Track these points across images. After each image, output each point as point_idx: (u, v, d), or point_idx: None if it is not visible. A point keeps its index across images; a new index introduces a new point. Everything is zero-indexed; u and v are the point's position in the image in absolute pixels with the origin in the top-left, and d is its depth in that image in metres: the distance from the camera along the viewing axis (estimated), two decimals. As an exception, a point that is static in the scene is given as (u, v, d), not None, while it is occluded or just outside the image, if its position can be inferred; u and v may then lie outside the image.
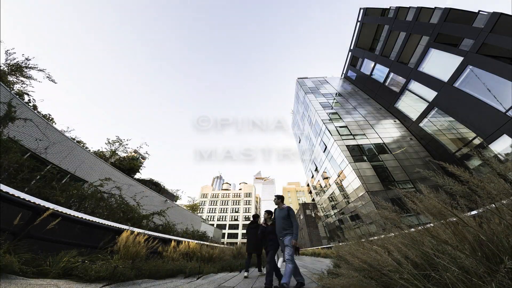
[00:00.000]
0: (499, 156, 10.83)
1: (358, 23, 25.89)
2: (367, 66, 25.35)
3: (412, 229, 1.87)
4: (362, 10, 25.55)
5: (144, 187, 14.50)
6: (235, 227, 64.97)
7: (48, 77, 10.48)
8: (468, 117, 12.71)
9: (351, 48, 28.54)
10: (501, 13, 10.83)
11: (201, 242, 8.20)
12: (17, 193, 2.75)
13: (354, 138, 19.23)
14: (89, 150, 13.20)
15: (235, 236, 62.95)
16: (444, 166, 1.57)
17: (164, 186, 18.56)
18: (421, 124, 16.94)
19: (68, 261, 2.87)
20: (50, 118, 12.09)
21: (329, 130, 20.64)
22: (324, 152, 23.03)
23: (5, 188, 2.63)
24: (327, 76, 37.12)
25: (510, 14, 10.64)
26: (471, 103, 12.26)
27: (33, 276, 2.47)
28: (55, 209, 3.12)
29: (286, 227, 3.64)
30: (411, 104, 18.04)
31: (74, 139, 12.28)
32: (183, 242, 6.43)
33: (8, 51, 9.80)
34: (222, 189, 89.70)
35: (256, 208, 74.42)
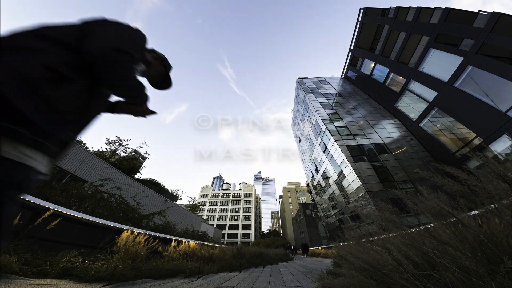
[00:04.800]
0: (499, 156, 10.84)
1: (358, 23, 25.90)
2: (367, 66, 25.35)
3: (412, 230, 1.87)
4: (362, 10, 25.55)
5: (144, 187, 14.49)
6: (235, 227, 64.95)
7: None
8: (468, 117, 12.72)
9: (351, 48, 28.55)
10: (501, 13, 10.83)
11: (201, 242, 8.20)
12: (17, 193, 2.75)
13: (354, 138, 19.23)
14: (89, 150, 13.20)
15: (235, 236, 62.93)
16: (442, 168, 1.58)
17: (164, 186, 18.56)
18: (421, 124, 16.94)
19: (68, 261, 2.88)
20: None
21: (329, 130, 20.64)
22: (324, 152, 23.03)
23: (5, 188, 2.62)
24: (327, 76, 37.14)
25: (510, 14, 10.65)
26: (471, 103, 12.26)
27: (33, 276, 2.47)
28: (56, 209, 3.12)
29: None
30: (411, 104, 18.05)
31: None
32: (183, 242, 6.42)
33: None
34: (222, 189, 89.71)
35: (256, 208, 74.42)
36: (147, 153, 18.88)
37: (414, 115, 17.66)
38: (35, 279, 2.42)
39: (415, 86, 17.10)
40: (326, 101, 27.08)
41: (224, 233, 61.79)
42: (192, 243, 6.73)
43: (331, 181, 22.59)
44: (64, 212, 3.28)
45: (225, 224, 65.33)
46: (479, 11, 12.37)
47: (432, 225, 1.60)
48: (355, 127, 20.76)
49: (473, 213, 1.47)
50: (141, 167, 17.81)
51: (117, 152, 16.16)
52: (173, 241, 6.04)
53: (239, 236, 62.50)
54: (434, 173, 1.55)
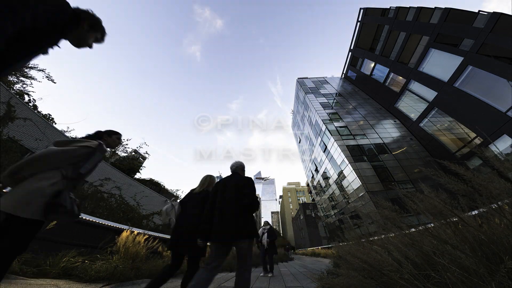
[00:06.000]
0: (499, 156, 10.82)
1: (358, 23, 25.89)
2: (367, 66, 25.35)
3: (412, 229, 1.87)
4: (362, 10, 25.55)
5: (144, 187, 14.50)
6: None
7: (47, 76, 10.48)
8: (468, 117, 12.72)
9: (351, 48, 28.54)
10: (501, 13, 10.83)
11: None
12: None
13: (354, 138, 19.23)
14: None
15: (235, 236, 62.94)
16: (445, 165, 1.57)
17: (164, 186, 18.57)
18: (421, 124, 16.94)
19: (68, 261, 2.87)
20: (50, 118, 12.09)
21: (329, 130, 20.64)
22: (324, 152, 23.03)
23: (5, 188, 2.62)
24: (327, 76, 37.14)
25: (510, 14, 10.65)
26: (471, 103, 12.26)
27: (33, 276, 2.47)
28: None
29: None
30: (411, 104, 18.05)
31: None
32: (183, 242, 6.41)
33: (8, 51, 9.79)
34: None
35: (256, 208, 74.43)
36: (147, 153, 18.88)
37: (414, 115, 17.66)
38: (35, 279, 2.42)
39: (415, 86, 17.10)
40: (326, 101, 27.08)
41: (224, 233, 61.66)
42: (192, 243, 6.71)
43: (331, 181, 22.59)
44: (64, 212, 3.27)
45: (225, 224, 65.29)
46: (479, 11, 12.38)
47: (432, 225, 1.60)
48: (355, 127, 20.75)
49: (473, 212, 1.46)
50: (141, 167, 17.81)
51: (117, 152, 16.16)
52: (173, 241, 6.02)
53: (239, 236, 62.49)
54: (437, 170, 1.54)
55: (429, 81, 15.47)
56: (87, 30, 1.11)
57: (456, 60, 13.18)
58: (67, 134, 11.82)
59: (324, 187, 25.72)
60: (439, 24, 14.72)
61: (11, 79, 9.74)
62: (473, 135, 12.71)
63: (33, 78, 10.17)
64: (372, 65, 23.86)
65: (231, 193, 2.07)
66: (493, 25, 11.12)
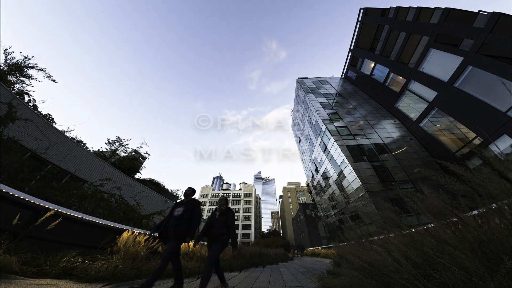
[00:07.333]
0: (499, 156, 10.81)
1: (358, 23, 25.89)
2: (367, 66, 25.34)
3: (412, 229, 1.87)
4: (362, 10, 25.54)
5: (144, 187, 14.50)
6: (235, 227, 64.94)
7: (48, 76, 10.46)
8: (468, 117, 12.71)
9: (351, 48, 28.54)
10: (501, 13, 10.83)
11: (201, 242, 8.19)
12: (17, 193, 2.75)
13: (354, 138, 19.22)
14: (89, 150, 13.19)
15: (235, 236, 62.91)
16: (445, 165, 1.57)
17: (164, 186, 18.55)
18: (421, 124, 16.93)
19: (68, 261, 2.88)
20: (50, 118, 12.08)
21: (329, 130, 20.63)
22: (324, 152, 23.02)
23: (5, 188, 2.63)
24: (327, 76, 37.14)
25: (510, 14, 10.64)
26: (471, 103, 12.26)
27: (33, 276, 2.47)
28: (56, 209, 3.11)
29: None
30: (411, 104, 18.04)
31: (74, 139, 12.27)
32: (183, 242, 6.41)
33: (7, 50, 9.78)
34: (222, 189, 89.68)
35: (256, 208, 74.39)
36: (147, 153, 18.87)
37: (414, 115, 17.65)
38: (35, 279, 2.42)
39: (415, 86, 17.09)
40: (326, 101, 27.07)
41: (224, 233, 61.63)
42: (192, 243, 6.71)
43: (331, 181, 22.58)
44: (64, 212, 3.28)
45: (225, 224, 65.23)
46: (479, 11, 12.37)
47: (432, 225, 1.60)
48: (355, 127, 20.75)
49: (473, 212, 1.46)
50: (141, 167, 17.79)
51: (117, 152, 16.15)
52: (173, 241, 6.01)
53: (239, 236, 62.44)
54: (438, 170, 1.54)
55: (429, 81, 15.46)
56: None
57: (456, 60, 13.17)
58: (67, 134, 11.81)
59: (324, 187, 25.71)
60: (439, 24, 14.71)
61: (11, 79, 9.73)
62: (473, 135, 12.71)
63: (33, 78, 10.15)
64: (372, 65, 23.86)
65: None
66: (493, 25, 11.12)
